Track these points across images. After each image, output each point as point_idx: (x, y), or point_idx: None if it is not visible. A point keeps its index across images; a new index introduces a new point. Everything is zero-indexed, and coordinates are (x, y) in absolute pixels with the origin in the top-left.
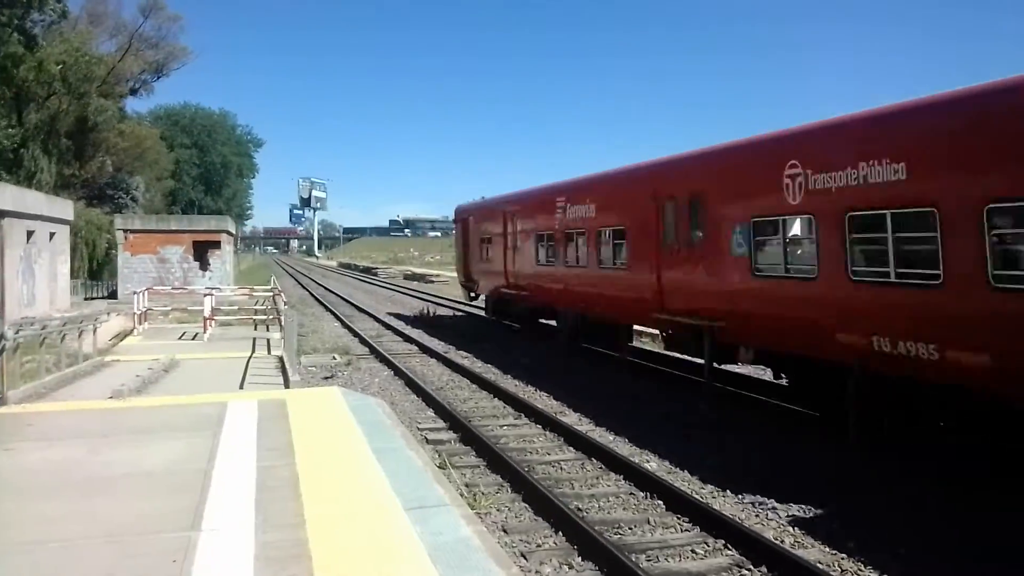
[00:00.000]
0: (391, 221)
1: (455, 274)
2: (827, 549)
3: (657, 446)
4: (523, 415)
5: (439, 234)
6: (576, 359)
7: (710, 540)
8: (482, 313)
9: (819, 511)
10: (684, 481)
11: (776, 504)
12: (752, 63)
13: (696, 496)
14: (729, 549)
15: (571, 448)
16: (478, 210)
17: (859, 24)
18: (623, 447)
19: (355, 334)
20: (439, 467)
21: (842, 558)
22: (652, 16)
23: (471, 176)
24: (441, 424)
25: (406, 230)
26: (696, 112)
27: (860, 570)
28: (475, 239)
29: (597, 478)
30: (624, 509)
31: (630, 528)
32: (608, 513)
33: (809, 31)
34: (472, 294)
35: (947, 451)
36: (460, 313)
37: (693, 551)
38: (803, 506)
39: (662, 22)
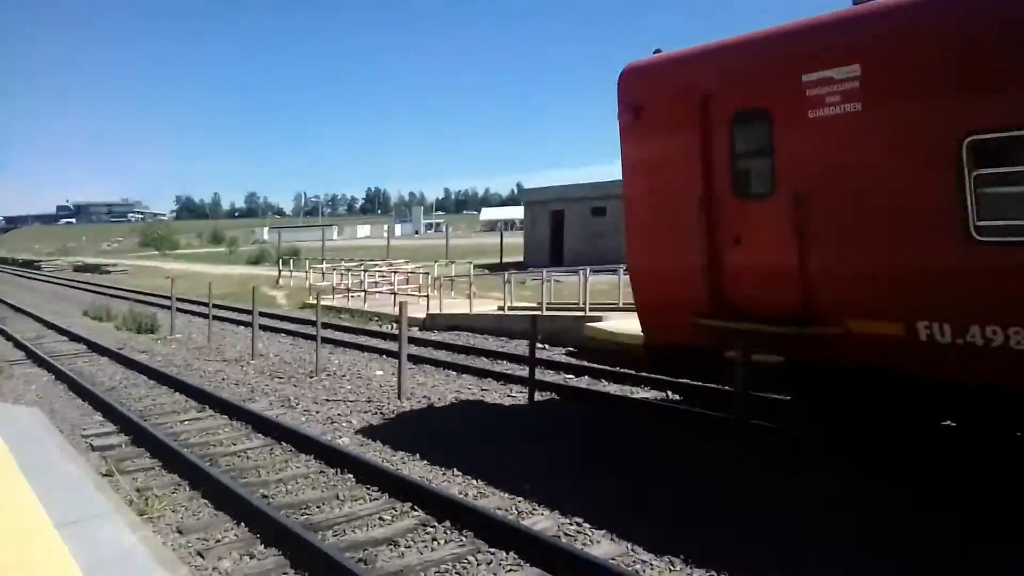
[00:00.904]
0: (59, 207)
1: (184, 265)
2: (507, 495)
3: (351, 420)
4: (207, 407)
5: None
6: None
7: (398, 505)
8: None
9: (503, 465)
10: (375, 451)
11: (464, 462)
12: None
13: (387, 464)
14: (416, 510)
15: (259, 435)
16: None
17: None
18: (315, 427)
19: (8, 338)
20: (105, 475)
21: (519, 500)
22: None
23: (160, 155)
24: (110, 428)
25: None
26: None
27: (535, 508)
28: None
29: (286, 462)
30: (313, 489)
31: (318, 507)
32: (296, 495)
33: None
34: (716, 345)
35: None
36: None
37: (380, 519)
38: (488, 461)
39: None
